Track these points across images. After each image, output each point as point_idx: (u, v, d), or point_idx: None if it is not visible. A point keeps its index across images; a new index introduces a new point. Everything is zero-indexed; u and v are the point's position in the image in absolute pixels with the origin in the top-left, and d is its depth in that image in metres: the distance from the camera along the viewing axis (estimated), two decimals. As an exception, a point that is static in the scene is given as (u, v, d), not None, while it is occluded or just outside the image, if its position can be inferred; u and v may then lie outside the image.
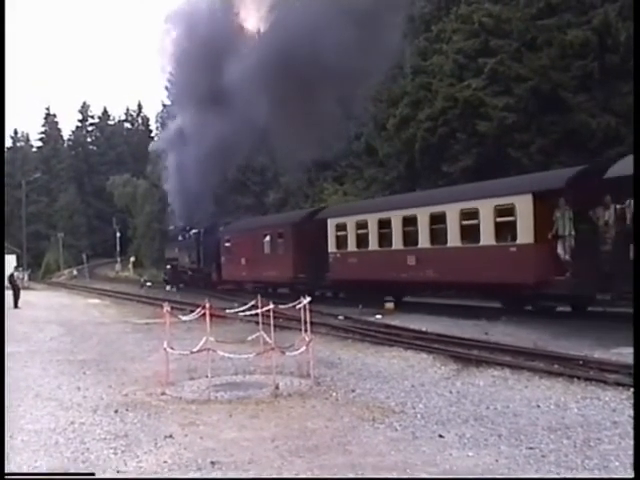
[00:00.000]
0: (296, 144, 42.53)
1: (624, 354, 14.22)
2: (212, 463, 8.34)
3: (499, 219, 23.16)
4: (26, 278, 63.83)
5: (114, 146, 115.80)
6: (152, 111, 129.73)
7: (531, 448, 8.70)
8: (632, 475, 7.41)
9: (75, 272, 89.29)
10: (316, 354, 14.65)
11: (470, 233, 24.37)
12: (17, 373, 15.61)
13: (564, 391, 11.87)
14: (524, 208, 22.15)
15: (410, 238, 27.32)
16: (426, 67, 41.71)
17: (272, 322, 13.80)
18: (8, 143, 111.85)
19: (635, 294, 16.00)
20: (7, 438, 9.71)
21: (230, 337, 18.01)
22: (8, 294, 39.10)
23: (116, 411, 11.34)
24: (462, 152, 37.37)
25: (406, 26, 42.94)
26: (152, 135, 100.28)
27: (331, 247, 32.24)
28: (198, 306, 14.63)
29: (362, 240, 30.27)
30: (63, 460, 8.74)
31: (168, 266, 55.88)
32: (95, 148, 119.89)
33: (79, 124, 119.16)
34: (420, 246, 26.63)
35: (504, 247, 22.86)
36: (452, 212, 25.14)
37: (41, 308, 36.71)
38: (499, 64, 35.25)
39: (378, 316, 25.20)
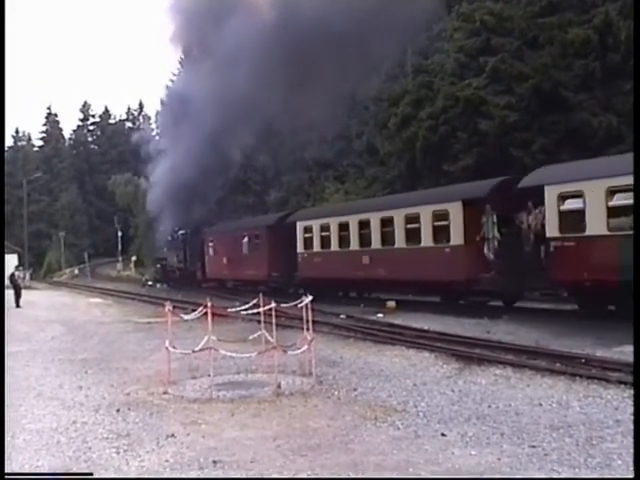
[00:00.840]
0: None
1: (626, 352, 14.22)
2: (214, 462, 8.33)
3: (436, 223, 25.78)
4: (27, 277, 63.78)
5: (115, 145, 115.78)
6: (153, 110, 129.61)
7: (533, 447, 8.69)
8: (632, 475, 7.40)
9: (77, 271, 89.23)
10: (318, 353, 14.64)
11: (413, 235, 27.02)
12: (19, 372, 15.61)
13: (566, 390, 11.86)
14: (456, 214, 24.84)
15: (365, 240, 30.01)
16: (427, 66, 41.77)
17: (274, 321, 13.78)
18: (9, 142, 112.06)
19: (635, 294, 16.04)
20: (9, 438, 9.71)
21: (232, 336, 18.00)
22: (9, 293, 39.13)
23: (118, 410, 11.33)
24: (463, 151, 37.38)
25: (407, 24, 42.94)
26: (153, 134, 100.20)
27: (299, 248, 34.97)
28: (200, 305, 14.63)
29: (325, 241, 32.99)
30: (65, 459, 8.73)
31: (158, 265, 58.47)
32: (96, 147, 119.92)
33: (80, 123, 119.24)
34: (373, 247, 29.41)
35: (440, 248, 25.53)
36: (399, 217, 27.85)
37: (42, 307, 36.71)
38: (500, 63, 35.26)
39: (380, 315, 25.20)
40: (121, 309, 34.94)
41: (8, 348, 19.21)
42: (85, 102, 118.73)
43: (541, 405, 10.87)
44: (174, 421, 10.52)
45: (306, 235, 34.62)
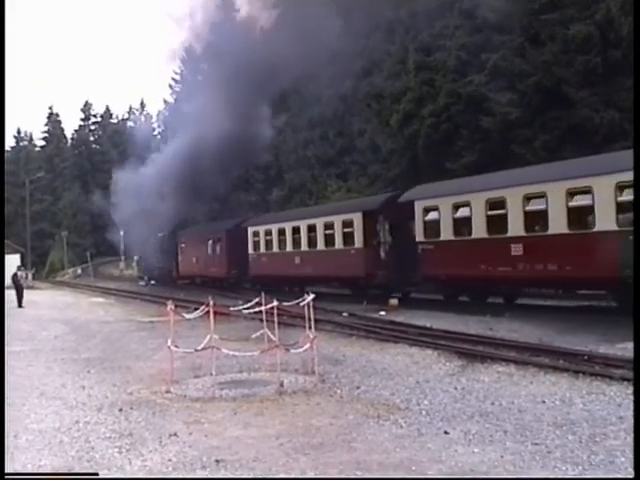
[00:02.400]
0: None
1: (629, 349, 14.18)
2: (217, 461, 8.32)
3: (345, 230, 31.90)
4: (30, 277, 63.81)
5: (117, 144, 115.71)
6: (155, 109, 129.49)
7: (537, 444, 8.68)
8: (632, 475, 7.38)
9: (79, 271, 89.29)
10: (320, 351, 14.64)
11: (330, 240, 33.02)
12: (21, 372, 15.61)
13: (569, 387, 11.84)
14: (358, 222, 30.96)
15: (297, 243, 36.07)
16: (429, 63, 41.64)
17: (276, 319, 13.77)
18: (11, 142, 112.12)
19: (635, 293, 16.03)
20: (11, 438, 9.71)
21: (234, 335, 18.01)
22: (11, 293, 39.17)
23: (121, 410, 11.33)
24: (465, 148, 37.37)
25: (409, 22, 42.97)
26: (155, 134, 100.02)
27: (250, 249, 41.27)
28: (202, 304, 14.62)
29: (269, 244, 39.27)
30: (67, 459, 8.72)
31: (141, 264, 65.57)
32: (98, 147, 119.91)
33: (82, 123, 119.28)
34: (302, 249, 35.43)
35: (348, 250, 31.55)
36: (320, 224, 34.00)
37: (45, 307, 36.75)
38: (502, 60, 35.19)
39: (382, 313, 25.20)
40: (124, 308, 34.97)
41: (11, 347, 19.26)
42: (86, 102, 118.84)
43: (544, 402, 10.85)
44: (177, 420, 10.51)
45: (255, 239, 40.90)
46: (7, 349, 18.43)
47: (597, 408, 10.36)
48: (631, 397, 10.59)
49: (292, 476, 7.85)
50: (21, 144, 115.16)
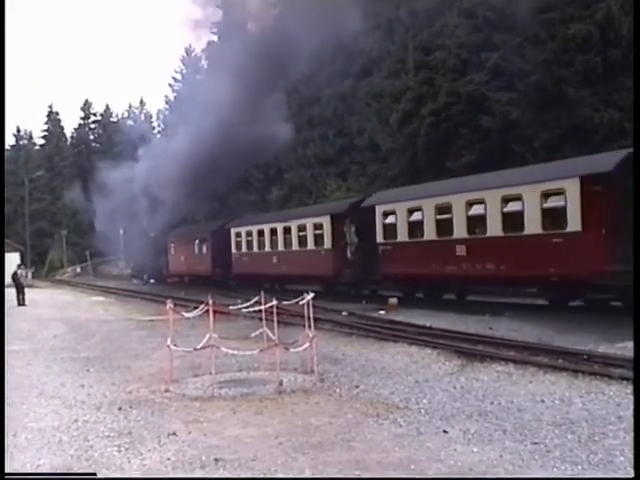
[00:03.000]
0: None
1: (629, 348, 14.19)
2: (216, 460, 8.32)
3: (316, 232, 34.28)
4: (29, 276, 63.80)
5: (117, 143, 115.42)
6: (155, 108, 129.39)
7: (536, 443, 8.68)
8: (632, 475, 7.38)
9: (79, 269, 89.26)
10: (320, 350, 14.64)
11: (303, 241, 35.57)
12: (21, 371, 15.62)
13: (568, 386, 11.85)
14: (327, 225, 33.31)
15: (274, 244, 38.80)
16: (429, 62, 41.61)
17: (275, 318, 13.77)
18: (11, 141, 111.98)
19: (635, 293, 16.03)
20: (10, 436, 9.72)
21: (234, 334, 18.04)
22: (11, 292, 39.17)
23: (120, 408, 11.33)
24: (465, 147, 37.37)
25: (409, 21, 42.94)
26: (155, 132, 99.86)
27: (233, 249, 43.90)
28: (201, 303, 14.62)
29: (249, 244, 42.04)
30: (66, 458, 8.72)
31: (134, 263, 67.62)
32: (98, 145, 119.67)
33: (81, 122, 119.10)
34: (279, 249, 38.17)
35: (318, 250, 33.98)
36: (294, 226, 36.61)
37: (45, 306, 36.73)
38: (502, 59, 35.18)
39: (382, 312, 25.22)
40: (123, 307, 34.98)
41: (11, 346, 19.27)
42: (86, 100, 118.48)
43: (543, 402, 10.85)
44: (176, 419, 10.52)
45: (237, 239, 43.66)
46: (7, 348, 18.44)
47: (596, 407, 10.37)
48: (630, 396, 10.59)
49: (291, 476, 7.85)
50: (21, 143, 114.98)
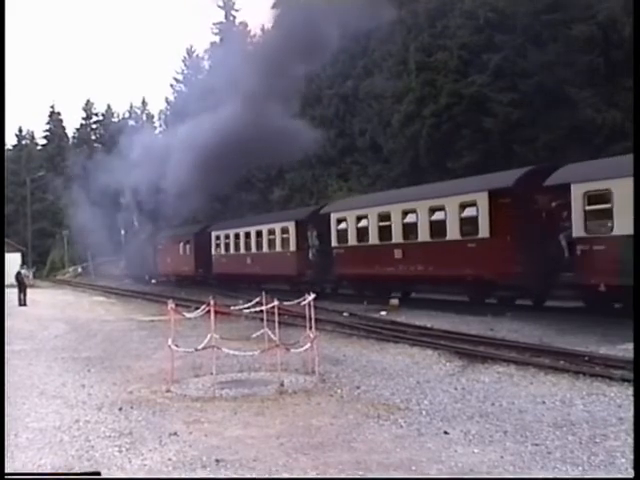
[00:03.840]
0: None
1: (630, 350, 14.18)
2: (217, 461, 8.32)
3: (283, 235, 37.70)
4: (31, 276, 63.80)
5: (118, 143, 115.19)
6: (156, 108, 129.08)
7: (537, 444, 8.68)
8: (632, 475, 7.38)
9: (80, 270, 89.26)
10: (321, 351, 14.64)
11: (272, 243, 39.00)
12: (22, 371, 15.62)
13: (570, 387, 11.85)
14: (292, 229, 36.85)
15: (248, 246, 42.13)
16: (431, 63, 41.61)
17: (277, 319, 13.77)
18: (13, 141, 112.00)
19: (635, 295, 16.03)
20: (12, 436, 9.72)
21: (235, 334, 18.04)
22: (13, 292, 39.22)
23: (121, 409, 11.33)
24: (467, 148, 37.37)
25: (410, 21, 42.90)
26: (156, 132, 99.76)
27: (213, 251, 47.48)
28: (203, 303, 14.63)
29: (227, 246, 45.55)
30: (67, 458, 8.72)
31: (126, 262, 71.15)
32: (100, 145, 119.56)
33: (83, 122, 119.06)
34: (252, 252, 41.49)
35: (284, 252, 37.41)
36: (265, 230, 40.09)
37: (46, 306, 36.76)
38: (504, 60, 35.18)
39: (383, 313, 25.22)
40: (124, 307, 35.00)
41: (12, 346, 19.30)
42: (88, 100, 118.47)
43: (544, 403, 10.85)
44: (177, 419, 10.52)
45: (217, 242, 47.14)
46: (8, 348, 18.47)
47: (597, 409, 10.37)
48: (631, 398, 10.59)
49: (293, 476, 7.85)
50: (23, 143, 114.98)
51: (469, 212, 24.62)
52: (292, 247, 36.70)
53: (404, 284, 30.08)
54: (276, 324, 13.65)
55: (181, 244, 52.73)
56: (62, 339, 21.79)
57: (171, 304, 13.71)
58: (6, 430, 9.82)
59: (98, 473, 7.94)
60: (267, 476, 7.90)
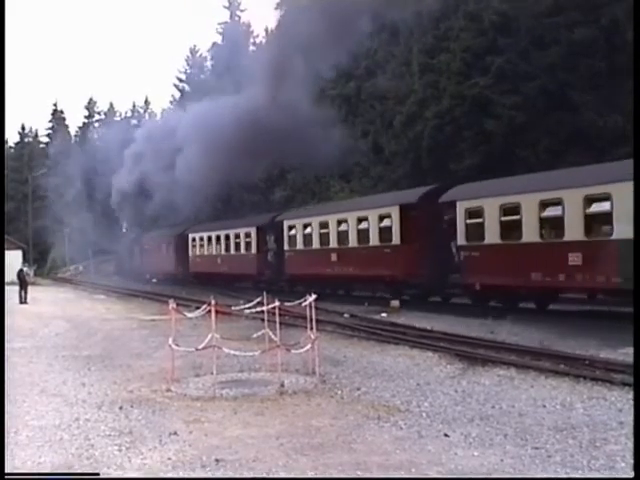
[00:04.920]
0: None
1: (630, 354, 14.16)
2: (217, 460, 8.32)
3: (245, 239, 42.88)
4: (32, 274, 63.79)
5: (120, 142, 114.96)
6: (159, 107, 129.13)
7: (537, 448, 8.67)
8: (632, 475, 7.38)
9: (81, 268, 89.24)
10: (321, 352, 14.65)
11: (237, 246, 44.17)
12: (22, 369, 15.64)
13: (570, 391, 11.84)
14: (253, 234, 41.87)
15: (219, 248, 47.32)
16: (433, 65, 41.59)
17: (277, 319, 13.78)
18: (15, 138, 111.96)
19: (635, 296, 16.03)
20: (12, 434, 9.73)
21: (236, 334, 18.03)
22: (11, 290, 39.24)
23: (121, 407, 11.34)
24: (469, 150, 37.35)
25: (414, 23, 42.81)
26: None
27: (190, 252, 52.60)
28: (204, 303, 14.64)
29: (202, 248, 50.71)
30: (67, 456, 8.73)
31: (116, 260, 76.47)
32: (102, 144, 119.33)
33: (85, 120, 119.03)
34: (222, 253, 46.61)
35: (247, 254, 42.47)
36: (231, 234, 45.10)
37: (47, 304, 36.80)
38: (507, 62, 35.17)
39: (383, 314, 25.23)
40: (125, 306, 35.00)
41: (12, 344, 19.31)
42: (91, 99, 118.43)
43: (545, 406, 10.85)
44: (177, 419, 10.52)
45: (193, 243, 52.35)
46: (9, 345, 18.50)
47: (598, 413, 10.36)
48: (632, 402, 10.58)
49: (292, 476, 7.86)
50: (25, 140, 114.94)
51: (386, 222, 29.25)
52: (253, 250, 41.72)
53: (340, 283, 34.28)
54: (277, 325, 13.66)
55: (163, 245, 58.17)
56: (63, 337, 21.81)
57: (172, 303, 13.72)
58: (6, 428, 9.82)
59: (97, 474, 7.95)
60: (265, 475, 7.91)
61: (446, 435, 9.36)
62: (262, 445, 8.96)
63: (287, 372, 13.60)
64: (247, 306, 15.58)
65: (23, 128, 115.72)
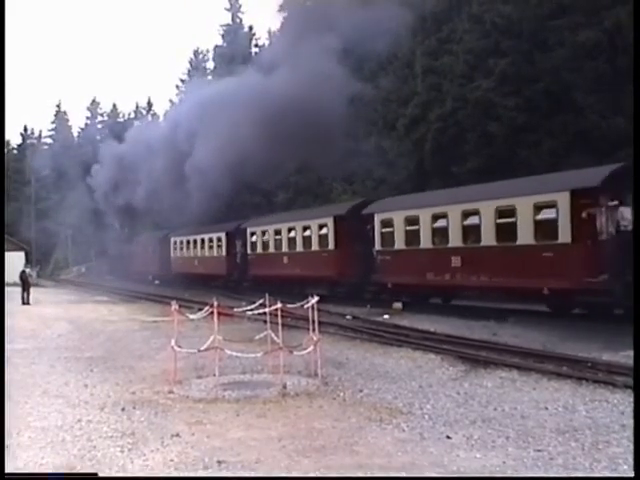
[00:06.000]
0: None
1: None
2: (219, 462, 8.32)
3: (217, 243, 48.15)
4: (34, 275, 63.80)
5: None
6: (162, 108, 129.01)
7: (539, 450, 8.67)
8: (632, 475, 7.38)
9: (84, 269, 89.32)
10: (324, 354, 14.65)
11: (211, 249, 49.34)
12: (25, 370, 15.64)
13: (572, 393, 11.84)
14: (224, 239, 47.07)
15: (196, 250, 52.45)
16: (437, 67, 41.57)
17: (280, 321, 13.78)
18: (18, 140, 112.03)
19: (635, 294, 16.01)
20: (14, 435, 9.73)
21: (238, 336, 18.01)
22: (13, 291, 39.25)
23: (123, 409, 11.34)
24: (472, 153, 37.30)
25: (417, 25, 42.77)
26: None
27: (172, 253, 57.68)
28: (206, 304, 14.64)
29: (182, 250, 55.59)
30: (69, 458, 8.73)
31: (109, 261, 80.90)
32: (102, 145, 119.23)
33: (88, 121, 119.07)
34: (199, 255, 51.71)
35: (219, 256, 47.57)
36: (206, 237, 50.57)
37: (49, 305, 36.79)
38: (510, 65, 35.14)
39: (386, 316, 25.24)
40: (128, 307, 34.99)
41: (15, 345, 19.32)
42: (94, 100, 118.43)
43: (547, 409, 10.84)
44: (179, 420, 10.52)
45: (174, 245, 57.34)
46: (11, 347, 18.52)
47: (600, 415, 10.36)
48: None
49: (293, 475, 7.86)
50: (28, 142, 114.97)
51: (324, 231, 34.47)
52: (224, 253, 46.84)
53: (288, 283, 37.02)
54: (279, 326, 13.66)
55: (150, 247, 63.60)
56: (65, 338, 21.80)
57: (175, 305, 13.73)
58: (8, 429, 9.83)
59: (95, 474, 7.95)
60: (266, 475, 7.92)
61: (448, 437, 9.36)
62: (264, 447, 8.96)
63: (289, 374, 13.60)
64: (249, 308, 15.59)
65: (26, 129, 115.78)
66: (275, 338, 13.58)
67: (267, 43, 68.81)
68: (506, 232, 23.31)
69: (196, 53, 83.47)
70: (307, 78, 41.77)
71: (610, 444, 8.89)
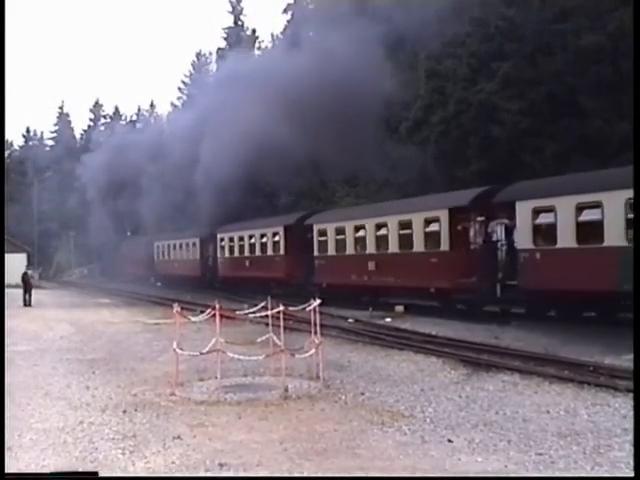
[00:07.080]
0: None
1: (635, 361, 14.15)
2: (220, 465, 8.33)
3: (191, 248, 52.91)
4: (36, 277, 63.82)
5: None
6: (164, 110, 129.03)
7: (540, 454, 8.66)
8: (632, 474, 7.37)
9: (86, 271, 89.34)
10: (326, 357, 14.63)
11: (187, 253, 54.00)
12: (27, 371, 15.66)
13: (574, 397, 11.83)
14: (198, 243, 51.67)
15: (176, 254, 56.50)
16: (440, 70, 41.55)
17: (282, 324, 13.78)
18: (20, 142, 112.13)
19: (635, 299, 15.99)
20: (16, 437, 9.74)
21: (240, 338, 18.02)
22: (14, 292, 39.27)
23: (125, 411, 11.35)
24: (475, 156, 37.27)
25: (420, 28, 42.72)
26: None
27: (155, 257, 62.06)
28: (208, 307, 14.64)
29: (164, 252, 60.04)
30: (71, 459, 8.74)
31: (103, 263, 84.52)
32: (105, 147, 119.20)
33: (91, 123, 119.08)
34: (179, 258, 56.10)
35: (194, 260, 51.97)
36: (182, 242, 55.05)
37: (51, 307, 36.80)
38: (513, 68, 35.14)
39: (388, 319, 25.23)
40: (130, 310, 34.99)
41: (17, 347, 19.35)
42: (97, 102, 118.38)
43: (549, 412, 10.84)
44: (181, 423, 10.52)
45: (157, 249, 61.80)
46: (14, 348, 18.55)
47: (602, 419, 10.35)
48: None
49: (292, 475, 7.87)
50: (30, 143, 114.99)
51: (276, 238, 39.28)
52: (197, 256, 51.51)
53: (252, 283, 41.06)
54: (281, 329, 13.65)
55: (137, 250, 67.82)
56: (67, 340, 21.82)
57: (177, 307, 13.74)
58: (10, 430, 9.84)
59: (95, 473, 7.94)
60: (267, 474, 7.92)
61: (450, 440, 9.36)
62: (266, 450, 8.96)
63: (291, 377, 13.61)
64: (251, 310, 15.60)
65: (28, 131, 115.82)
66: (277, 341, 13.58)
67: (270, 46, 68.76)
68: (406, 241, 28.41)
69: (198, 55, 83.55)
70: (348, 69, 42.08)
71: (612, 448, 8.88)
